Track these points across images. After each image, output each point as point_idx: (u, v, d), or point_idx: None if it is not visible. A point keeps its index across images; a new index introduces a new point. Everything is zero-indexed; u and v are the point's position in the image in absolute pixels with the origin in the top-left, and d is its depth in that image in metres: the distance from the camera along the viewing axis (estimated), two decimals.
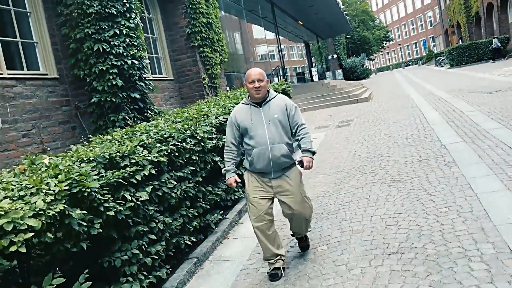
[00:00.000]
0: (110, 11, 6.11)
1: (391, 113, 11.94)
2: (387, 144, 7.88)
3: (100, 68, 6.01)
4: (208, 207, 4.84)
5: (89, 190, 2.99)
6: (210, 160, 4.99)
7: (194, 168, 4.60)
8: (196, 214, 4.52)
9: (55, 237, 2.73)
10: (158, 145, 4.14)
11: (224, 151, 3.74)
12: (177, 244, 4.12)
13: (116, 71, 6.07)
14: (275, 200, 3.66)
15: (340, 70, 36.18)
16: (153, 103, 6.97)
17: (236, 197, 5.68)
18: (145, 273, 3.52)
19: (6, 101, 5.20)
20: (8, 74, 5.39)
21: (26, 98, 5.47)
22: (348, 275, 3.44)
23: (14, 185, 2.89)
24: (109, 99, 6.07)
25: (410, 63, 71.33)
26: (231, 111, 5.93)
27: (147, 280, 3.50)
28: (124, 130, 4.89)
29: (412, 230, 3.99)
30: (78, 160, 3.45)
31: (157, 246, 3.74)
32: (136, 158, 3.71)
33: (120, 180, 3.39)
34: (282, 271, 3.62)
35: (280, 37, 22.02)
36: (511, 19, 30.57)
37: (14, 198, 2.67)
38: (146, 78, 6.67)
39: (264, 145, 3.45)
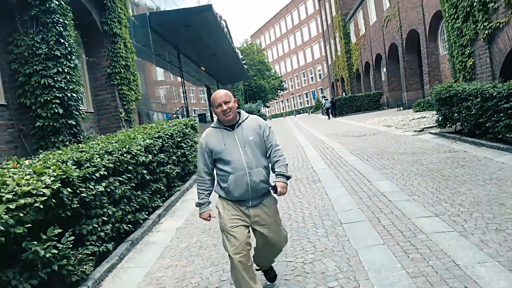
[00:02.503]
0: (55, 53, 7.50)
1: None
2: None
3: (45, 98, 7.31)
4: (138, 207, 6.36)
5: (72, 177, 4.47)
6: (140, 171, 6.54)
7: (130, 175, 6.14)
8: (130, 210, 6.03)
9: (53, 205, 4.15)
10: (106, 156, 5.66)
11: (196, 181, 3.47)
12: (118, 228, 5.59)
13: (58, 101, 7.41)
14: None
15: None
16: (83, 130, 8.32)
17: (155, 204, 7.22)
18: (100, 242, 4.98)
19: None
20: None
21: None
22: None
23: (21, 173, 4.27)
24: (51, 124, 7.36)
25: (301, 111, 77.25)
26: (155, 137, 7.61)
27: (101, 248, 4.96)
28: (69, 147, 6.28)
29: (285, 217, 5.92)
30: (56, 160, 4.87)
31: (107, 226, 5.20)
32: (94, 161, 5.21)
33: (87, 175, 4.88)
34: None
35: (184, 80, 23.94)
36: (384, 77, 35.77)
37: (28, 178, 4.08)
38: (80, 109, 8.06)
39: (242, 171, 3.23)
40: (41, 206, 3.87)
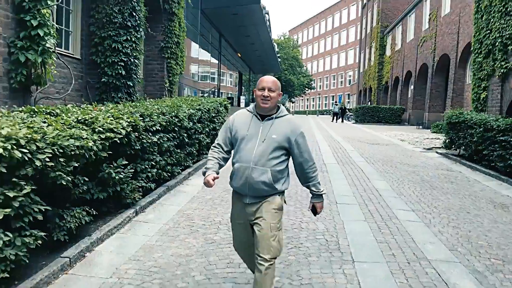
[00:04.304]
0: (127, 23, 8.90)
1: None
2: None
3: (112, 59, 8.73)
4: (175, 162, 7.75)
5: (139, 126, 5.86)
6: (182, 134, 7.92)
7: (174, 135, 7.52)
8: (170, 162, 7.41)
9: (124, 143, 5.52)
10: (161, 115, 7.04)
11: (209, 151, 3.33)
12: (160, 174, 6.97)
13: (123, 64, 8.83)
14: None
15: None
16: (136, 92, 9.74)
17: (187, 164, 8.60)
18: (147, 180, 6.37)
19: (54, 67, 7.76)
20: (56, 49, 7.97)
21: (62, 67, 8.04)
22: None
23: (103, 115, 5.64)
24: (113, 82, 8.79)
25: (324, 113, 77.99)
26: (196, 108, 8.98)
27: (147, 185, 6.35)
28: (128, 104, 7.68)
29: (292, 191, 7.24)
30: (126, 111, 6.25)
31: (153, 170, 6.60)
32: (153, 118, 6.60)
33: (147, 127, 6.27)
34: None
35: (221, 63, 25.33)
36: (410, 94, 36.58)
37: (112, 119, 5.45)
38: (138, 74, 9.47)
39: (246, 163, 3.06)
40: (118, 141, 5.26)
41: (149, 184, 6.46)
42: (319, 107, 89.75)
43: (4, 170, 3.23)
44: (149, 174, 6.43)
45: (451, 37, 24.94)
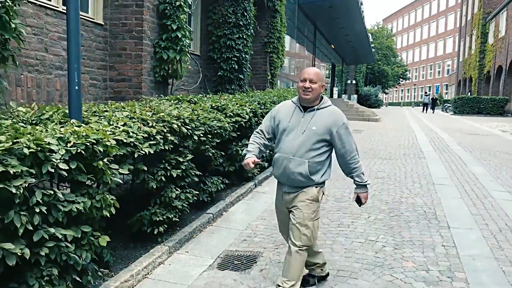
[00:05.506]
0: (239, 23, 10.03)
1: (392, 131, 15.89)
2: (385, 145, 11.80)
3: (227, 55, 9.91)
4: None
5: (257, 112, 6.89)
6: None
7: None
8: None
9: (247, 126, 6.57)
10: (272, 104, 8.04)
11: (251, 136, 3.49)
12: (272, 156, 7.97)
13: (236, 59, 9.98)
14: None
15: (355, 95, 40.22)
16: (246, 84, 10.87)
17: None
18: (264, 159, 7.40)
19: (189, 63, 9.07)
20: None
21: (188, 64, 9.35)
22: None
23: (229, 103, 6.72)
24: (227, 75, 9.98)
25: (419, 104, 75.17)
26: None
27: (263, 163, 7.38)
28: (241, 94, 8.77)
29: (391, 173, 7.90)
30: (247, 100, 7.31)
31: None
32: (267, 105, 7.62)
33: (263, 113, 7.29)
34: (316, 280, 3.53)
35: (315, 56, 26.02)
36: None
37: (237, 107, 6.52)
38: (248, 67, 10.59)
39: (285, 154, 3.15)
40: (243, 124, 6.32)
41: (264, 162, 7.50)
42: (414, 98, 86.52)
43: (176, 141, 4.36)
44: (264, 154, 7.46)
45: None
